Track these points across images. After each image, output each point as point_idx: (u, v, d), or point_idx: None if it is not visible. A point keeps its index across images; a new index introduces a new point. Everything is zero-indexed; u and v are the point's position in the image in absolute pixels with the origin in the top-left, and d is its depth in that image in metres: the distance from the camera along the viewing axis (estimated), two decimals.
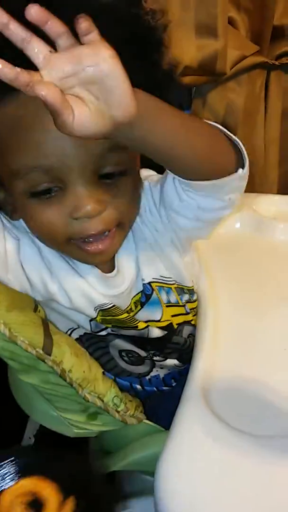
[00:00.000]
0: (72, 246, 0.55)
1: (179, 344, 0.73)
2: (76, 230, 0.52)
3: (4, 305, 0.53)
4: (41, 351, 0.54)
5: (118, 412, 0.60)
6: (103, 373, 0.64)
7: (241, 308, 0.73)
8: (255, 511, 0.49)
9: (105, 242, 0.54)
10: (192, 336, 0.73)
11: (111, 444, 0.72)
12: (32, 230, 0.56)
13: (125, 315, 0.64)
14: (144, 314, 0.67)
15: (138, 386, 0.75)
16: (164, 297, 0.68)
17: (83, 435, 0.67)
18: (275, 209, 0.90)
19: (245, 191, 0.72)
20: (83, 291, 0.61)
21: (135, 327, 0.67)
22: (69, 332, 0.67)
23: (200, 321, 0.72)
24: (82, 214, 0.50)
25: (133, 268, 0.65)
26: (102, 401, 0.59)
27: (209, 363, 0.66)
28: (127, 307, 0.65)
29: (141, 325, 0.67)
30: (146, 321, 0.67)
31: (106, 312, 0.63)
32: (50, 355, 0.54)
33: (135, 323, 0.66)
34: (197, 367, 0.65)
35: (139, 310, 0.67)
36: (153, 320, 0.68)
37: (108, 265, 0.62)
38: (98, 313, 0.63)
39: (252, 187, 0.75)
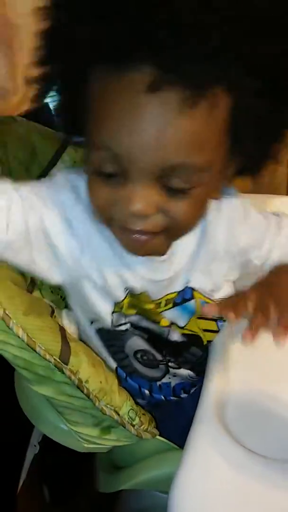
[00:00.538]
0: (115, 227, 0.53)
1: (195, 356, 0.71)
2: (119, 216, 0.51)
3: (21, 309, 0.50)
4: (58, 360, 0.50)
5: (133, 426, 0.57)
6: (118, 383, 0.61)
7: None
8: None
9: (141, 239, 0.51)
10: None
11: (122, 459, 0.69)
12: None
13: (152, 305, 0.63)
14: (171, 315, 0.66)
15: (147, 392, 0.73)
16: (199, 309, 0.67)
17: (93, 450, 0.64)
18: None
19: (254, 192, 0.71)
20: (117, 268, 0.59)
21: (157, 322, 0.65)
22: (90, 324, 0.65)
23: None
24: (129, 209, 0.49)
25: (184, 264, 0.63)
26: (118, 414, 0.55)
27: (222, 380, 0.64)
28: (157, 300, 0.64)
29: (164, 323, 0.65)
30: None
31: (134, 298, 0.61)
32: (67, 364, 0.51)
33: (159, 318, 0.65)
34: (210, 384, 0.63)
35: (168, 308, 0.65)
36: (176, 324, 0.67)
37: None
38: (126, 296, 0.61)
39: (261, 187, 0.75)
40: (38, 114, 0.83)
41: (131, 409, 0.57)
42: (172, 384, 0.74)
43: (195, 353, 0.71)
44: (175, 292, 0.65)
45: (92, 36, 0.43)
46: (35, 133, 0.81)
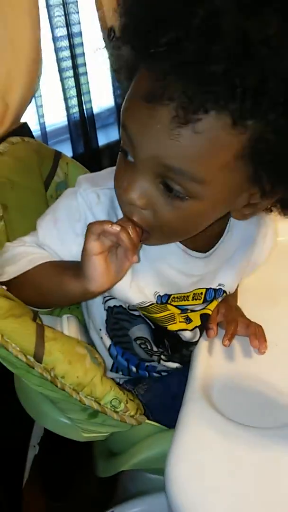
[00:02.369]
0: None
1: (190, 352, 0.75)
2: (122, 202, 0.57)
3: (0, 312, 0.56)
4: (32, 359, 0.56)
5: (116, 412, 0.62)
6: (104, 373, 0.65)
7: None
8: (261, 497, 0.52)
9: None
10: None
11: (117, 446, 0.74)
12: None
13: (160, 315, 0.71)
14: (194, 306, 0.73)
15: (134, 368, 0.79)
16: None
17: (92, 439, 0.69)
18: None
19: None
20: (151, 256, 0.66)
21: (165, 327, 0.72)
22: (106, 299, 0.71)
23: None
24: (125, 195, 0.54)
25: (220, 265, 0.71)
26: (99, 404, 0.61)
27: (207, 363, 0.69)
28: (185, 293, 0.71)
29: (171, 328, 0.72)
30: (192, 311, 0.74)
31: (142, 308, 0.69)
32: (41, 362, 0.57)
33: (166, 324, 0.72)
34: (196, 368, 0.68)
35: (197, 304, 0.73)
36: (198, 310, 0.74)
37: (201, 243, 0.67)
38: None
39: None
40: (17, 133, 0.89)
41: (114, 398, 0.61)
42: (158, 369, 0.79)
43: (192, 350, 0.75)
44: (203, 288, 0.71)
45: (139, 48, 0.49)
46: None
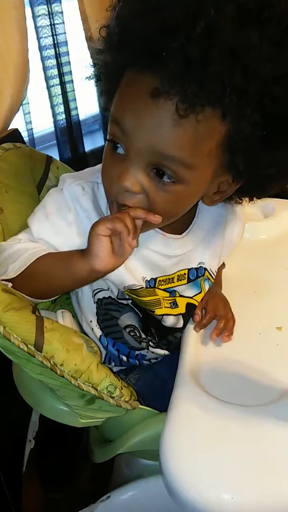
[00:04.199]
0: (112, 203, 0.66)
1: (177, 339, 0.81)
2: (113, 191, 0.63)
3: (1, 306, 0.61)
4: (32, 348, 0.61)
5: (112, 397, 0.66)
6: (100, 362, 0.69)
7: None
8: (249, 467, 0.56)
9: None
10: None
11: (113, 433, 0.78)
12: None
13: (149, 298, 0.76)
14: (183, 289, 0.79)
15: (124, 358, 0.83)
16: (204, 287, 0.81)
17: (90, 424, 0.73)
18: None
19: None
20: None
21: (152, 312, 0.77)
22: (96, 291, 0.77)
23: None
24: (120, 184, 0.60)
25: (197, 245, 0.78)
26: (96, 389, 0.65)
27: (195, 350, 0.74)
28: (170, 275, 0.77)
29: (158, 312, 0.77)
30: (180, 296, 0.79)
31: (132, 291, 0.74)
32: (41, 351, 0.61)
33: (154, 308, 0.76)
34: (186, 353, 0.73)
35: (182, 284, 0.78)
36: (187, 296, 0.80)
37: (175, 228, 0.74)
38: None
39: None
40: (9, 140, 0.92)
41: (110, 384, 0.66)
42: (148, 357, 0.84)
43: (177, 336, 0.81)
44: (185, 269, 0.77)
45: (135, 50, 0.57)
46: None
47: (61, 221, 0.70)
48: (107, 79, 0.65)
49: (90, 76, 0.67)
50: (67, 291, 0.77)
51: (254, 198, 0.72)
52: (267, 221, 1.07)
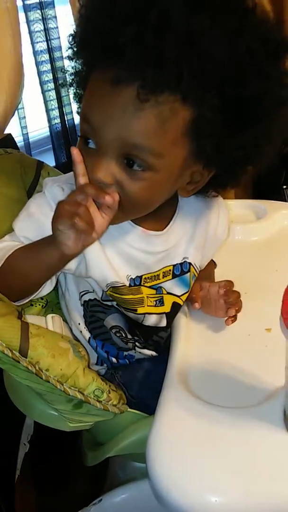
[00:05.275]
0: None
1: (162, 339, 0.81)
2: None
3: None
4: (17, 353, 0.61)
5: (100, 402, 0.67)
6: (88, 365, 0.70)
7: None
8: (234, 469, 0.56)
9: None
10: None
11: (103, 436, 0.78)
12: None
13: (131, 296, 0.76)
14: (170, 285, 0.79)
15: (114, 359, 0.84)
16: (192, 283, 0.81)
17: (78, 428, 0.74)
18: (232, 213, 1.01)
19: None
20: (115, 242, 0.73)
21: (134, 311, 0.77)
22: (82, 293, 0.78)
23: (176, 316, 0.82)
24: (93, 176, 0.63)
25: (180, 240, 0.79)
26: (83, 394, 0.65)
27: (184, 352, 0.74)
28: (155, 272, 0.78)
29: (140, 310, 0.77)
30: (168, 293, 0.80)
31: (115, 289, 0.75)
32: (26, 357, 0.62)
33: (136, 307, 0.77)
34: (174, 357, 0.73)
35: (168, 280, 0.79)
36: (175, 294, 0.80)
37: (156, 224, 0.76)
38: (108, 289, 0.74)
39: None
40: (2, 145, 0.93)
41: (96, 388, 0.66)
42: (136, 357, 0.84)
43: (162, 336, 0.81)
44: (170, 265, 0.78)
45: (94, 46, 0.60)
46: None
47: (44, 220, 0.70)
48: (77, 84, 0.69)
49: (62, 83, 0.71)
50: (45, 281, 0.75)
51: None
52: (259, 223, 1.07)
